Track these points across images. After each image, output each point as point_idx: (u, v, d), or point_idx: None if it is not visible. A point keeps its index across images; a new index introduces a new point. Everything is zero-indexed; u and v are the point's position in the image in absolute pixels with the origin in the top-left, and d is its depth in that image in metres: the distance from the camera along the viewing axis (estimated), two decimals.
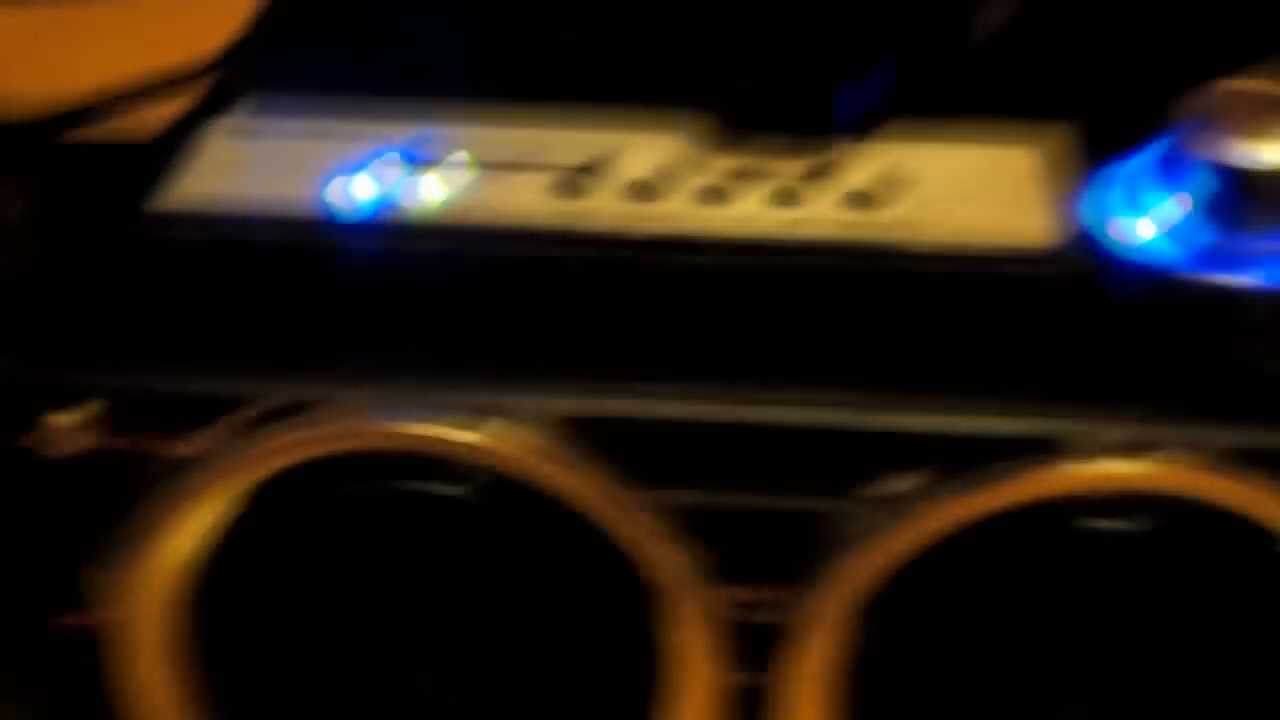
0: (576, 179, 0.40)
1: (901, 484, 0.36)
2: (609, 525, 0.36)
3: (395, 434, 0.36)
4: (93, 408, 0.36)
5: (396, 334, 0.37)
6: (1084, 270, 0.38)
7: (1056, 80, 0.45)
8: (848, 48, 0.45)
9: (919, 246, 0.38)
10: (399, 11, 0.49)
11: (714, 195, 0.40)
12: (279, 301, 0.38)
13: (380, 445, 0.36)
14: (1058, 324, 0.37)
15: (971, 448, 0.35)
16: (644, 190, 0.40)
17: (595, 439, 0.36)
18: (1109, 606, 0.37)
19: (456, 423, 0.36)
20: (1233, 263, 0.37)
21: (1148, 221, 0.38)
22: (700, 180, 0.40)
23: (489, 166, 0.40)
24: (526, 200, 0.40)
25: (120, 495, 0.37)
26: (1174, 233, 0.38)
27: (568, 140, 0.41)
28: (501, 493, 0.36)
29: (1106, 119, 0.42)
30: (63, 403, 0.36)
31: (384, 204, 0.40)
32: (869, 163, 0.41)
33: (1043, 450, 0.35)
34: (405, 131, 0.41)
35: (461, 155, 0.41)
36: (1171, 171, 0.38)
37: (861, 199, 0.39)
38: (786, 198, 0.40)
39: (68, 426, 0.36)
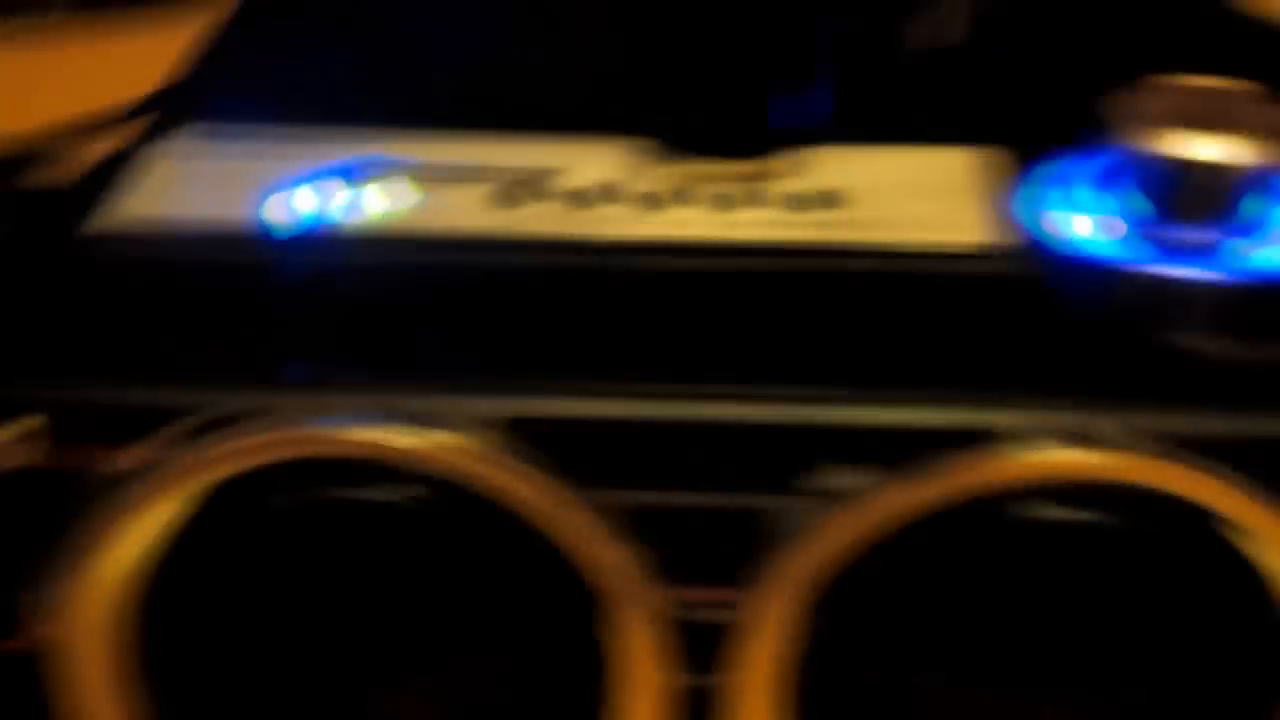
0: (516, 190, 0.40)
1: (844, 479, 0.36)
2: (551, 528, 0.36)
3: (334, 440, 0.36)
4: (33, 422, 0.36)
5: (335, 344, 0.37)
6: (1021, 265, 0.38)
7: (991, 90, 0.45)
8: (784, 64, 0.46)
9: (855, 246, 0.39)
10: (341, 42, 0.49)
11: (653, 201, 0.40)
12: (218, 314, 0.38)
13: (319, 452, 0.36)
14: (996, 318, 0.37)
15: (913, 441, 0.35)
16: (584, 199, 0.40)
17: (535, 442, 0.36)
18: (1058, 599, 0.37)
19: (396, 428, 0.36)
20: (1169, 254, 0.37)
21: (1084, 217, 0.38)
22: (640, 188, 0.40)
23: (428, 181, 0.41)
24: (466, 211, 0.40)
25: (60, 511, 0.36)
26: (1110, 226, 0.38)
27: (508, 157, 0.42)
28: (444, 498, 0.36)
29: (1039, 118, 0.42)
30: (1, 417, 0.36)
31: (322, 218, 0.40)
32: (806, 169, 0.41)
33: (984, 442, 0.35)
34: (345, 153, 0.41)
35: (401, 172, 0.41)
36: (1105, 166, 0.39)
37: (798, 201, 0.40)
38: (725, 202, 0.40)
39: (5, 441, 0.36)
